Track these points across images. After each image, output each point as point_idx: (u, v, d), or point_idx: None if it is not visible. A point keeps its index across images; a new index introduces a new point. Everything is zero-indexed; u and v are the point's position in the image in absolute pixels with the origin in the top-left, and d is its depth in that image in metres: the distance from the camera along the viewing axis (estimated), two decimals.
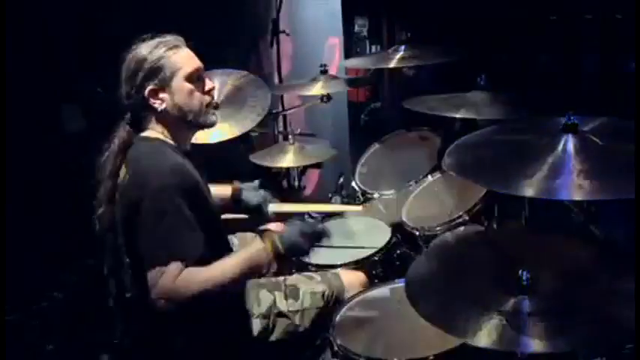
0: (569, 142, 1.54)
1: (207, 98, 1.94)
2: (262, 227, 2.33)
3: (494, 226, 2.11)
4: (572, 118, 1.59)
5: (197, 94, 1.90)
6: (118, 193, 1.82)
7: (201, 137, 2.57)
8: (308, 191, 3.74)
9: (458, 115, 2.16)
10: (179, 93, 1.87)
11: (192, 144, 2.13)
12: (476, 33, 3.25)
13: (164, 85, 1.85)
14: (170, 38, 1.90)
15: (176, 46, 1.88)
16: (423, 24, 3.67)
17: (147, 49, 1.86)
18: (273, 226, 2.40)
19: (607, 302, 1.37)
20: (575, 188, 1.40)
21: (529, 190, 1.44)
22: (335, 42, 4.05)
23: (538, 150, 1.55)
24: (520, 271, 1.45)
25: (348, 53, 4.44)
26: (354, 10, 4.59)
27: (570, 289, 1.43)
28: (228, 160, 2.84)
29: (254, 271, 1.84)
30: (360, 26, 5.24)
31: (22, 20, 3.03)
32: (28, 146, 3.19)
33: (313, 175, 3.80)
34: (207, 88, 1.94)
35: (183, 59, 1.88)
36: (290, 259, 1.90)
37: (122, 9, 3.39)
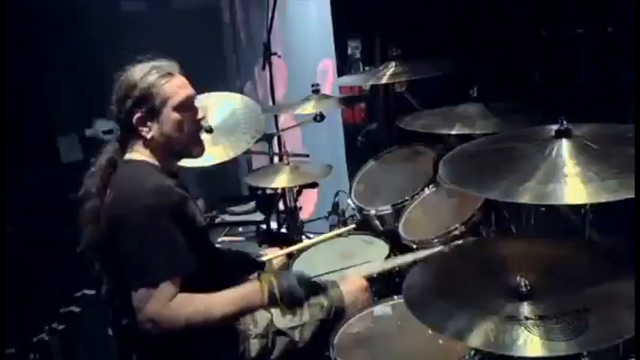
0: (562, 147, 1.53)
1: (196, 128, 1.92)
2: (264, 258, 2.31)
3: (491, 235, 2.10)
4: (564, 123, 1.59)
5: (186, 124, 1.88)
6: (103, 214, 1.80)
7: (195, 160, 2.57)
8: (306, 212, 3.72)
9: (453, 132, 2.16)
10: (167, 123, 1.85)
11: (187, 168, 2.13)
12: (468, 49, 3.27)
13: (153, 114, 1.83)
14: (164, 64, 1.87)
15: (169, 74, 1.85)
16: (414, 42, 3.68)
17: (139, 75, 1.83)
18: (271, 253, 2.38)
19: (607, 306, 1.35)
20: (571, 192, 1.39)
21: (524, 197, 1.43)
22: (328, 64, 4.07)
23: (532, 156, 1.55)
24: (518, 278, 1.44)
25: (341, 75, 4.46)
26: (347, 32, 4.62)
27: (569, 294, 1.41)
28: (222, 182, 2.84)
29: (245, 312, 1.84)
30: (353, 48, 5.28)
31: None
32: (27, 177, 3.20)
33: (311, 196, 3.78)
34: (198, 117, 1.92)
35: (174, 88, 1.85)
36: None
37: (116, 36, 3.42)
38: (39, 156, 3.55)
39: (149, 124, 1.84)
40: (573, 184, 1.41)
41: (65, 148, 3.75)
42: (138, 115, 1.82)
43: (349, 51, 5.26)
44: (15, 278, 2.94)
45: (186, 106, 1.88)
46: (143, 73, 1.84)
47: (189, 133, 1.90)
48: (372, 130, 5.06)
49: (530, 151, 1.58)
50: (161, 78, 1.83)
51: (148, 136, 1.84)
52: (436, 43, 3.40)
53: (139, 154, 1.88)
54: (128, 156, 1.88)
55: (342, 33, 4.43)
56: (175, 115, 1.85)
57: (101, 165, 1.87)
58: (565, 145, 1.54)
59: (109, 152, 1.89)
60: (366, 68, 5.04)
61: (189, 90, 1.90)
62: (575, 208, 1.77)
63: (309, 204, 3.85)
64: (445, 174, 1.68)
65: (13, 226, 3.10)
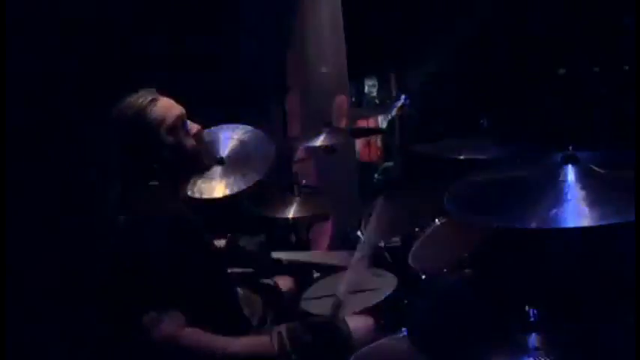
0: (569, 173, 1.51)
1: (195, 143, 1.91)
2: (267, 281, 2.28)
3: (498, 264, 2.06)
4: (571, 149, 1.57)
5: (185, 142, 1.88)
6: (116, 242, 1.80)
7: (206, 191, 2.60)
8: (322, 247, 3.68)
9: (461, 157, 2.15)
10: (168, 147, 1.84)
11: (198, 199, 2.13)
12: (485, 86, 3.29)
13: (151, 143, 1.83)
14: (143, 92, 1.87)
15: (152, 100, 1.85)
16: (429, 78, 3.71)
17: (125, 112, 1.83)
18: (281, 282, 2.35)
19: (616, 331, 1.31)
20: (577, 216, 1.37)
21: (532, 222, 1.40)
22: (343, 99, 4.10)
23: (539, 183, 1.53)
24: (527, 308, 1.42)
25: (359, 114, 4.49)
26: (363, 69, 4.67)
27: (578, 321, 1.37)
28: (233, 213, 2.83)
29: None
30: (370, 87, 5.35)
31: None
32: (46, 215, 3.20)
33: (325, 231, 3.76)
34: (193, 132, 1.91)
35: (162, 111, 1.84)
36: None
37: (134, 70, 3.47)
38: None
39: (150, 154, 1.84)
40: (578, 208, 1.39)
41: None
42: (137, 149, 1.83)
43: (366, 89, 5.32)
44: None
45: (180, 124, 1.88)
46: (128, 108, 1.84)
47: (192, 150, 1.89)
48: (389, 168, 5.08)
49: (537, 177, 1.57)
50: (147, 107, 1.83)
51: (154, 165, 1.84)
52: (452, 83, 3.43)
53: (152, 182, 1.87)
54: (140, 184, 1.87)
55: (358, 71, 4.48)
56: (172, 139, 1.85)
57: (115, 195, 1.88)
58: (571, 170, 1.52)
59: (119, 188, 1.89)
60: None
61: (177, 108, 1.89)
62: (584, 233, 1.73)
63: (324, 239, 3.81)
64: (450, 204, 1.67)
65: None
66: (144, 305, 1.69)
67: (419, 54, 3.80)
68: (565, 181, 1.50)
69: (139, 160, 1.84)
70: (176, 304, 1.69)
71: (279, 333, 1.76)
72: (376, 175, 5.07)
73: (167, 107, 1.87)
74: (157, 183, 1.86)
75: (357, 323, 2.03)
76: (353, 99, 4.59)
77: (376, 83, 5.34)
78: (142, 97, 1.85)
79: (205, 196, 2.60)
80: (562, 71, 3.52)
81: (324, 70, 4.20)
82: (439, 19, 3.78)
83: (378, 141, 5.20)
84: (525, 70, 3.42)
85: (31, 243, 2.75)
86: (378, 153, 5.22)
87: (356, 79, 5.00)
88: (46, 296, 2.77)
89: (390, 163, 5.03)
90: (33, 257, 2.77)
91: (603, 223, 1.32)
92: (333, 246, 3.82)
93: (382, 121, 5.24)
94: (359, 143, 5.12)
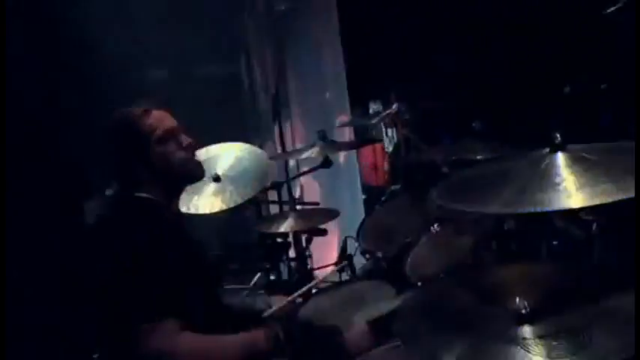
0: (558, 159, 1.48)
1: (185, 154, 1.91)
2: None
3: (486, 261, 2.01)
4: (558, 136, 1.53)
5: (175, 154, 1.88)
6: (101, 253, 1.82)
7: (201, 207, 2.58)
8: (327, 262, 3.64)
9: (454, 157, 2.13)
10: (157, 158, 1.85)
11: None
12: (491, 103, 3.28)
13: (141, 153, 1.85)
14: (140, 102, 1.90)
15: (146, 111, 1.87)
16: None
17: (119, 120, 1.87)
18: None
19: (609, 322, 1.26)
20: (565, 198, 1.34)
21: (521, 207, 1.38)
22: (345, 119, 4.11)
23: (528, 171, 1.50)
24: (517, 300, 1.37)
25: (359, 135, 4.50)
26: (366, 92, 4.67)
27: (570, 313, 1.32)
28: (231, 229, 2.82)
29: (247, 356, 1.76)
30: (375, 110, 5.32)
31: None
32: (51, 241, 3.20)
33: (330, 247, 3.71)
34: (184, 144, 1.91)
35: (153, 122, 1.86)
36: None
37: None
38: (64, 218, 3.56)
39: (141, 163, 1.85)
40: (568, 191, 1.35)
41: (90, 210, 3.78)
42: (128, 157, 1.85)
43: (370, 112, 5.29)
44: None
45: (171, 136, 1.88)
46: (123, 117, 1.88)
47: (181, 161, 1.89)
48: (396, 191, 5.02)
49: (526, 166, 1.54)
50: (140, 117, 1.86)
51: (144, 175, 1.86)
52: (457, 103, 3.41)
53: (142, 192, 1.88)
54: (131, 194, 1.88)
55: (359, 92, 4.49)
56: (161, 149, 1.86)
57: (106, 207, 1.90)
58: (560, 157, 1.49)
59: (111, 198, 1.92)
60: (389, 131, 5.08)
61: (169, 120, 1.91)
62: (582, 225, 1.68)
63: (327, 254, 3.75)
64: (442, 196, 1.63)
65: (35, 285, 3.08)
66: (130, 309, 1.68)
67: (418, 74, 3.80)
68: (555, 167, 1.46)
69: (129, 168, 1.86)
70: (161, 309, 1.67)
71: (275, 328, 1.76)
72: (383, 199, 5.02)
73: (159, 119, 1.88)
74: (146, 191, 1.87)
75: (352, 330, 1.98)
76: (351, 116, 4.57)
77: (381, 107, 5.31)
78: (137, 107, 1.88)
79: (201, 211, 2.59)
80: (567, 89, 3.49)
81: (327, 95, 4.23)
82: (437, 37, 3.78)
83: (385, 165, 5.17)
84: (526, 83, 3.39)
85: (31, 243, 2.74)
86: (385, 177, 5.17)
87: (360, 102, 5.00)
88: (46, 296, 2.75)
89: (397, 186, 4.98)
90: (33, 257, 2.76)
91: (589, 204, 1.27)
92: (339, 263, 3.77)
93: (388, 145, 5.23)
94: (366, 167, 5.10)
